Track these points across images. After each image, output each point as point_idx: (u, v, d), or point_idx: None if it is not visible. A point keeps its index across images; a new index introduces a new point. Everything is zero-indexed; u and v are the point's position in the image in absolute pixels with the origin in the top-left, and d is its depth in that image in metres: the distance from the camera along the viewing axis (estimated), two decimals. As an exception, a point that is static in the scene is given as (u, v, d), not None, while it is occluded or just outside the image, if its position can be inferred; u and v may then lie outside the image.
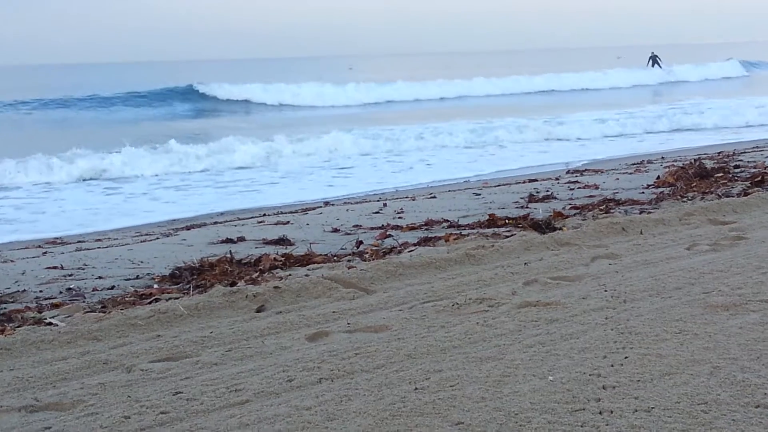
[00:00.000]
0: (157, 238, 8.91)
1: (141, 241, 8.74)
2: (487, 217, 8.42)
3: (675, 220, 7.47)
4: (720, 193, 9.09)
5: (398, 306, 5.26)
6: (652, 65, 57.86)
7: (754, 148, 15.70)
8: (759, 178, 9.79)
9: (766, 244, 6.36)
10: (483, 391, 3.71)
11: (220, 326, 4.95)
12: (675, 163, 12.34)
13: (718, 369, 3.81)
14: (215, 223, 10.18)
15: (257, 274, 6.35)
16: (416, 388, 3.78)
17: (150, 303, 5.55)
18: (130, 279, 6.63)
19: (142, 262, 7.30)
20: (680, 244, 6.60)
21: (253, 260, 6.81)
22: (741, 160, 12.64)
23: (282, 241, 7.89)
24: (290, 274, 6.25)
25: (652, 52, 59.24)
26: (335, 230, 8.53)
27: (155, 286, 6.28)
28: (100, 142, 20.86)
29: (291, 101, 40.92)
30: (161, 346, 4.61)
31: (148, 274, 6.77)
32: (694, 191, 9.34)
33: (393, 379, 3.93)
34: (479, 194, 10.83)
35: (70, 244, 9.17)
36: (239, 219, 10.43)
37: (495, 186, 12.17)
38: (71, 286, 6.43)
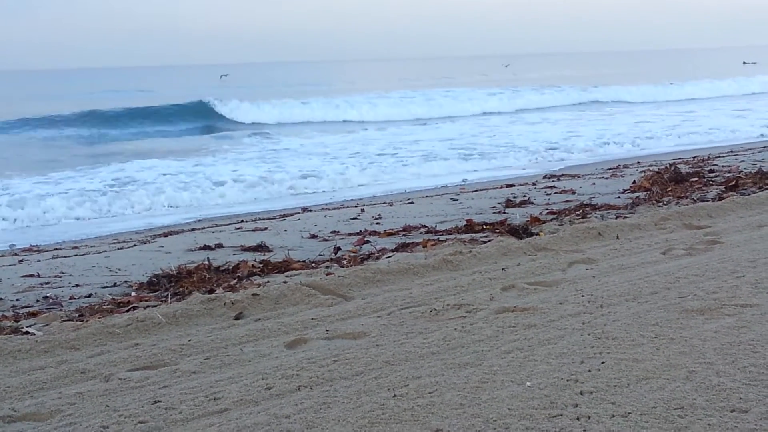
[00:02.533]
0: (135, 245, 8.88)
1: (118, 249, 8.71)
2: (465, 222, 8.46)
3: (651, 224, 7.52)
4: (695, 198, 9.17)
5: (376, 312, 5.27)
6: None
7: (728, 152, 15.84)
8: (733, 183, 9.88)
9: (741, 249, 6.42)
10: (461, 397, 3.72)
11: (198, 334, 4.94)
12: (651, 168, 12.42)
13: (693, 373, 3.85)
14: (193, 229, 10.16)
15: (235, 281, 6.35)
16: (395, 395, 3.79)
17: (128, 311, 5.54)
18: (107, 287, 6.61)
19: (119, 269, 7.28)
20: (656, 249, 6.65)
21: (231, 267, 6.81)
22: (716, 165, 12.75)
23: (260, 248, 7.88)
24: (268, 281, 6.25)
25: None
26: (313, 236, 8.54)
27: (133, 293, 6.27)
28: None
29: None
30: (139, 355, 4.59)
31: (125, 281, 6.75)
32: (670, 196, 9.42)
33: (372, 386, 3.94)
34: (457, 199, 10.86)
35: (47, 251, 9.13)
36: (217, 225, 10.42)
37: (472, 191, 12.21)
38: (48, 295, 6.40)
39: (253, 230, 9.24)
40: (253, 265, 6.81)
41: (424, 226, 8.57)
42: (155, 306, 5.59)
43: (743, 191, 9.38)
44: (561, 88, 45.27)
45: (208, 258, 7.02)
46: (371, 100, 38.44)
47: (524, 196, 10.56)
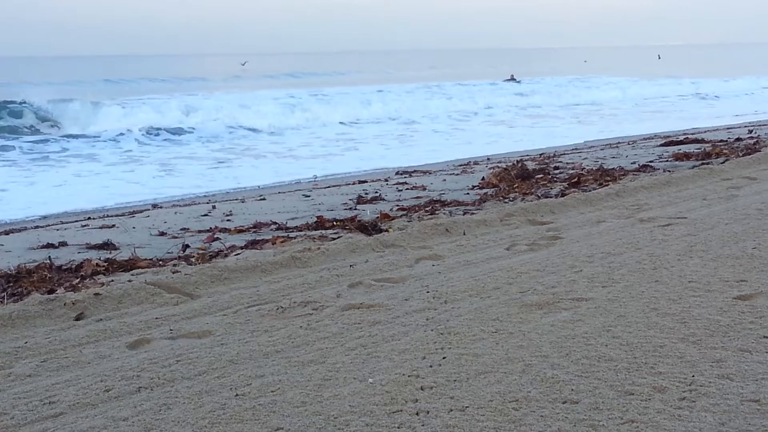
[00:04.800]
0: (-28, 244, 8.53)
1: (-46, 247, 8.35)
2: (316, 219, 8.46)
3: (496, 220, 7.70)
4: (539, 194, 9.43)
5: (222, 311, 5.22)
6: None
7: (573, 149, 16.38)
8: (576, 180, 10.22)
9: (580, 244, 6.65)
10: (304, 395, 3.73)
11: (35, 336, 4.79)
12: (499, 165, 12.70)
13: (530, 367, 3.96)
14: (36, 227, 9.81)
15: (78, 280, 6.17)
16: (237, 395, 3.77)
17: (-39, 313, 5.31)
18: (-60, 287, 6.32)
19: (-46, 269, 6.97)
20: (500, 245, 6.82)
21: (74, 266, 6.61)
22: (560, 162, 13.14)
23: (106, 246, 7.68)
24: (113, 280, 6.10)
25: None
26: (162, 234, 8.38)
27: (-32, 294, 6.01)
28: None
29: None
30: (-29, 359, 4.42)
31: (-40, 282, 6.47)
32: (516, 192, 9.65)
33: (214, 386, 3.90)
34: (309, 196, 10.86)
35: None
36: (62, 222, 10.09)
37: (325, 187, 12.23)
38: None
39: (100, 228, 8.99)
40: (97, 264, 6.63)
41: (275, 223, 8.52)
42: (-9, 307, 5.38)
43: (585, 188, 9.71)
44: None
45: (50, 257, 6.80)
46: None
47: (376, 192, 10.64)
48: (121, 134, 23.43)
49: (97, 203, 12.66)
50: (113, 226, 9.04)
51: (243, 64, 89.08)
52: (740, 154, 12.03)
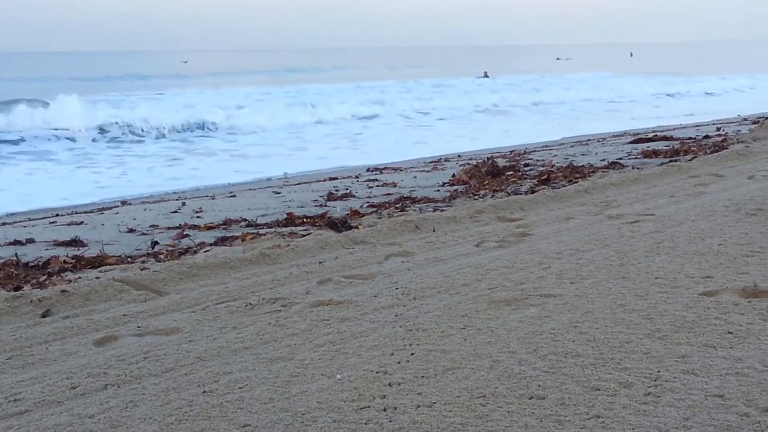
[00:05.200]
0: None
1: None
2: (286, 215, 8.45)
3: (466, 217, 7.72)
4: (509, 191, 9.47)
5: (191, 307, 5.20)
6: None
7: (543, 146, 16.46)
8: (545, 177, 10.27)
9: (549, 241, 6.68)
10: (271, 392, 3.72)
11: (1, 333, 4.75)
12: (470, 162, 12.74)
13: (497, 363, 3.98)
14: (3, 224, 9.73)
15: (45, 277, 6.13)
16: (204, 391, 3.76)
17: (-74, 310, 5.26)
18: None
19: None
20: (470, 241, 6.83)
21: (41, 263, 6.57)
22: (531, 159, 13.20)
23: (74, 243, 7.63)
24: (80, 277, 6.06)
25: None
26: (131, 230, 8.34)
27: (-67, 291, 5.95)
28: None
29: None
30: (-64, 356, 4.38)
31: (-75, 279, 6.40)
32: (486, 189, 9.69)
33: (181, 383, 3.89)
34: (279, 192, 10.85)
35: None
36: (30, 219, 10.03)
37: (296, 184, 12.21)
38: None
39: (68, 224, 8.93)
40: (64, 261, 6.59)
41: (245, 220, 8.51)
42: (-44, 305, 5.33)
43: (554, 185, 9.76)
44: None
45: (16, 253, 6.75)
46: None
47: (346, 189, 10.65)
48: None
49: (52, 202, 12.54)
50: (81, 222, 8.99)
51: (185, 62, 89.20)
52: (708, 152, 12.13)
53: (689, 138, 15.03)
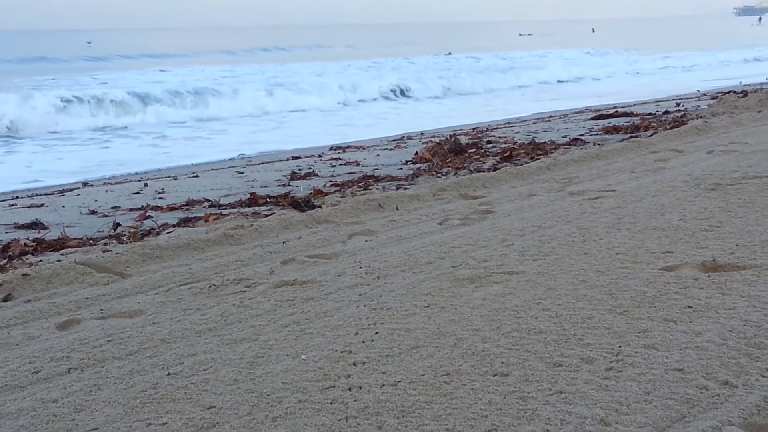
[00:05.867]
0: None
1: None
2: (249, 195, 8.43)
3: (429, 195, 7.75)
4: (472, 169, 9.50)
5: (154, 289, 5.18)
6: None
7: (506, 124, 16.51)
8: (508, 154, 10.31)
9: (512, 218, 6.72)
10: (236, 373, 3.73)
11: (-38, 318, 4.71)
12: (433, 139, 12.76)
13: (461, 340, 4.01)
14: (-38, 207, 9.61)
15: (5, 260, 6.08)
16: (169, 374, 3.76)
17: None
18: None
19: None
20: (433, 219, 6.86)
21: (1, 246, 6.50)
22: (493, 136, 13.25)
23: (35, 225, 7.56)
24: (41, 260, 6.01)
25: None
26: (92, 212, 8.28)
27: None
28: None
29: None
30: None
31: None
32: (449, 167, 9.71)
33: (145, 366, 3.88)
34: (242, 172, 10.80)
35: None
36: (-11, 202, 9.91)
37: (259, 164, 12.17)
38: None
39: (29, 207, 8.85)
40: (25, 244, 6.53)
41: (208, 200, 8.47)
42: None
43: (517, 162, 9.80)
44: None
45: (-24, 237, 6.68)
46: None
47: (309, 168, 10.62)
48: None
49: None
50: (42, 205, 8.90)
51: (89, 43, 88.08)
52: (668, 127, 12.24)
53: (649, 114, 15.16)
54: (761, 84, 21.84)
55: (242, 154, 14.85)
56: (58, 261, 5.83)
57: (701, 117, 13.41)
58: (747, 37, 79.46)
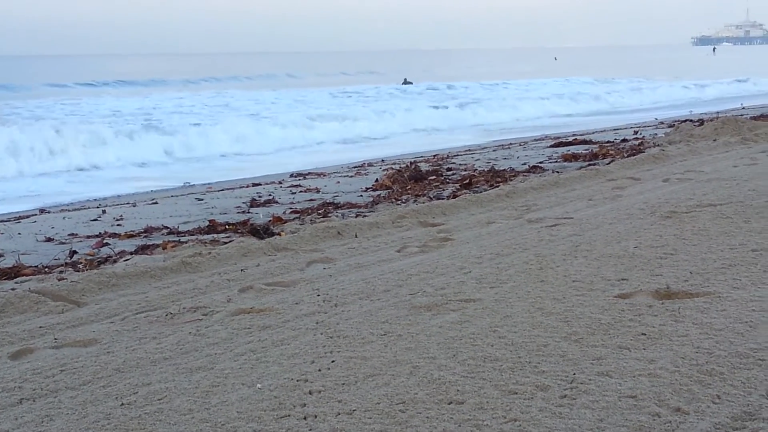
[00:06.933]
0: None
1: None
2: (208, 222, 8.40)
3: (388, 222, 7.76)
4: (432, 196, 9.54)
5: (110, 318, 5.14)
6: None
7: (466, 151, 16.60)
8: (467, 181, 10.37)
9: (470, 245, 6.75)
10: (191, 402, 3.70)
11: None
12: (393, 166, 12.80)
13: (417, 368, 4.01)
14: None
15: (-41, 289, 6.00)
16: (122, 404, 3.72)
17: None
18: None
19: None
20: (392, 247, 6.87)
21: (-46, 274, 6.42)
22: (454, 163, 13.31)
23: (-11, 253, 7.48)
24: (-5, 289, 5.94)
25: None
26: (49, 239, 8.20)
27: None
28: None
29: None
30: None
31: None
32: (409, 194, 9.75)
33: (99, 396, 3.84)
34: (202, 199, 10.76)
35: None
36: (-57, 229, 9.78)
37: (219, 190, 12.13)
38: None
39: (-16, 234, 8.75)
40: (-21, 272, 6.45)
41: (167, 227, 8.43)
42: None
43: (476, 189, 9.86)
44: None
45: (-71, 265, 6.59)
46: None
47: (269, 195, 10.61)
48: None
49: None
50: (-3, 232, 8.80)
51: None
52: (625, 155, 12.38)
53: (608, 141, 15.32)
54: (717, 113, 22.18)
55: (188, 182, 14.82)
56: (12, 289, 5.77)
57: (658, 145, 13.58)
58: (696, 67, 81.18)
